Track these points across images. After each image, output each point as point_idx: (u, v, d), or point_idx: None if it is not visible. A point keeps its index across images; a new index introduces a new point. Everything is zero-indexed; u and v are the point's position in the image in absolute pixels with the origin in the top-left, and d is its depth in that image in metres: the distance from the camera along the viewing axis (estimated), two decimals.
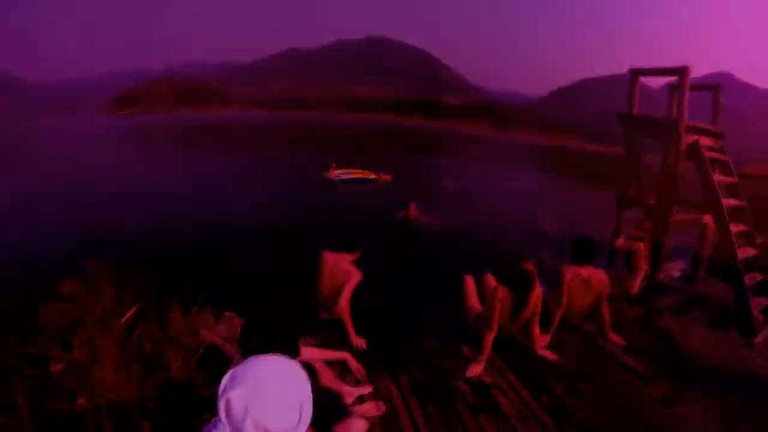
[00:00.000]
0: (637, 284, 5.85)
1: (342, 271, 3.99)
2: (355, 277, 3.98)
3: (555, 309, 4.34)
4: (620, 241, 6.33)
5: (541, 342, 4.14)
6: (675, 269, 6.74)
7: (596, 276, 4.38)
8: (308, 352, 2.63)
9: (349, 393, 3.01)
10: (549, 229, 13.22)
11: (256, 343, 1.94)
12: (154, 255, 8.50)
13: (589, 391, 3.64)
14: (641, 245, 5.98)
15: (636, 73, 6.44)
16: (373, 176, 20.43)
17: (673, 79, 6.27)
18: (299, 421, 1.09)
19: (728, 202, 5.77)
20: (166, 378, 3.19)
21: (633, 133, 6.67)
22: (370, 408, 2.95)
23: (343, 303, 3.91)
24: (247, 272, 7.36)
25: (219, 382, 1.17)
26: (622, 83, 7.07)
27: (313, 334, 4.01)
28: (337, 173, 20.19)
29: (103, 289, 4.75)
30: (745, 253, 5.59)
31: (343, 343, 3.96)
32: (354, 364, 3.08)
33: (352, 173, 20.14)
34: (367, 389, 3.22)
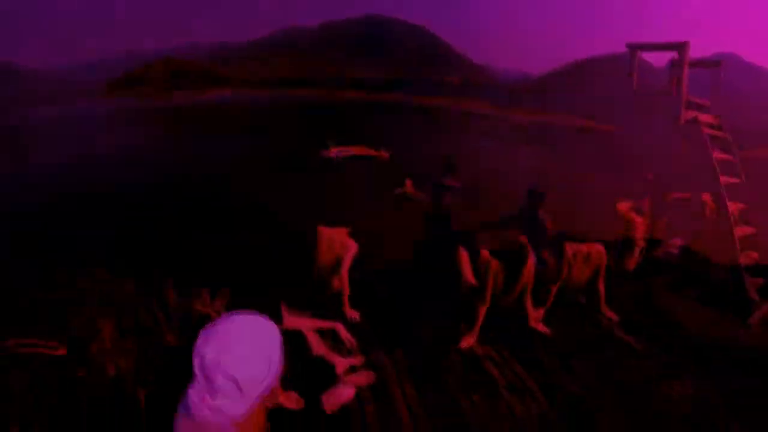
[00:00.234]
0: (633, 259, 5.86)
1: (338, 244, 4.08)
2: (352, 248, 4.06)
3: (552, 283, 4.36)
4: (622, 206, 6.17)
5: (535, 315, 4.18)
6: (673, 245, 6.76)
7: (595, 249, 4.40)
8: (295, 319, 2.67)
9: (340, 363, 3.06)
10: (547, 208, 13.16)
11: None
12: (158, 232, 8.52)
13: (581, 367, 3.67)
14: (640, 219, 5.95)
15: (634, 47, 6.35)
16: (371, 153, 20.44)
17: (674, 56, 6.19)
18: (268, 372, 1.12)
19: (726, 179, 5.75)
20: (161, 350, 3.25)
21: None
22: (359, 378, 3.00)
23: (344, 273, 4.01)
24: (243, 248, 7.39)
25: None
26: (624, 62, 7.04)
27: (306, 307, 4.09)
28: (336, 151, 20.22)
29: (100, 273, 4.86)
30: (742, 231, 5.59)
31: (337, 317, 4.02)
32: (345, 334, 3.16)
33: (350, 150, 20.17)
34: (357, 360, 3.28)
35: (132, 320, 3.89)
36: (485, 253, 4.23)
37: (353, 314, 4.08)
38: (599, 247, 4.42)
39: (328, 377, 2.46)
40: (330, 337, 3.32)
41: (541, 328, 4.13)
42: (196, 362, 1.10)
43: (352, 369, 3.13)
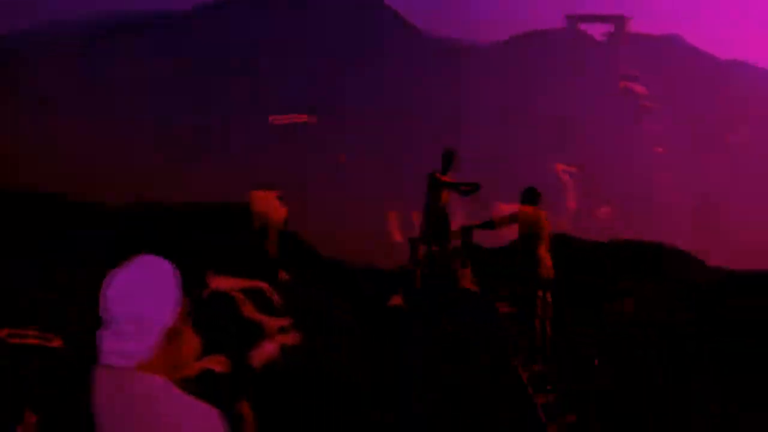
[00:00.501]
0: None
1: (272, 207, 4.01)
2: (282, 212, 4.11)
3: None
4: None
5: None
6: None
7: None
8: (221, 281, 2.71)
9: (268, 323, 3.03)
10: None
11: None
12: None
13: None
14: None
15: (572, 19, 7.23)
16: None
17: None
18: (166, 308, 1.16)
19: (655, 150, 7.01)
20: None
21: None
22: (287, 337, 2.99)
23: (272, 236, 3.95)
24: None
25: None
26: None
27: (240, 268, 3.85)
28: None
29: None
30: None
31: (269, 278, 3.86)
32: (272, 294, 3.12)
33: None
34: (285, 321, 3.26)
35: None
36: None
37: (283, 275, 4.05)
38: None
39: (255, 336, 2.48)
40: (260, 299, 3.29)
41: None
42: (100, 307, 1.14)
43: (281, 330, 3.16)
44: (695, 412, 4.42)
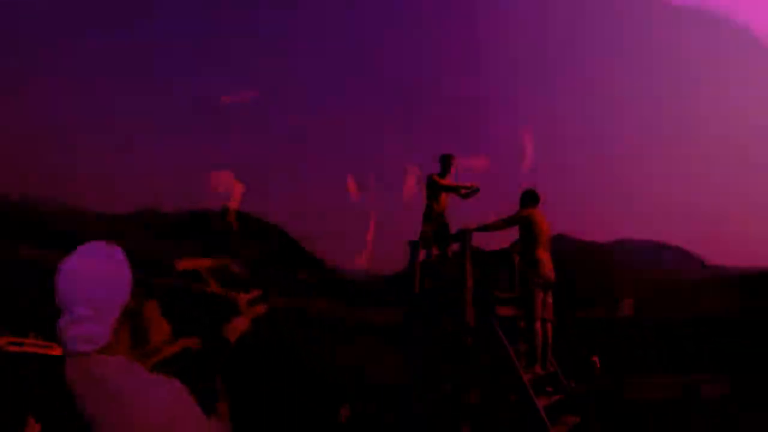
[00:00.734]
0: None
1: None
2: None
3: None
4: None
5: None
6: None
7: None
8: (188, 261, 2.85)
9: (239, 297, 2.79)
10: None
11: None
12: None
13: None
14: None
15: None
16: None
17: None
18: (119, 289, 1.18)
19: None
20: None
21: None
22: (258, 308, 2.84)
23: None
24: None
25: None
26: None
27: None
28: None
29: None
30: None
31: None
32: (236, 267, 3.19)
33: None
34: (255, 292, 2.97)
35: None
36: None
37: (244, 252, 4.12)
38: None
39: (226, 311, 2.38)
40: (227, 274, 3.24)
41: None
42: (56, 296, 1.15)
43: (253, 302, 2.91)
44: (695, 412, 4.65)
